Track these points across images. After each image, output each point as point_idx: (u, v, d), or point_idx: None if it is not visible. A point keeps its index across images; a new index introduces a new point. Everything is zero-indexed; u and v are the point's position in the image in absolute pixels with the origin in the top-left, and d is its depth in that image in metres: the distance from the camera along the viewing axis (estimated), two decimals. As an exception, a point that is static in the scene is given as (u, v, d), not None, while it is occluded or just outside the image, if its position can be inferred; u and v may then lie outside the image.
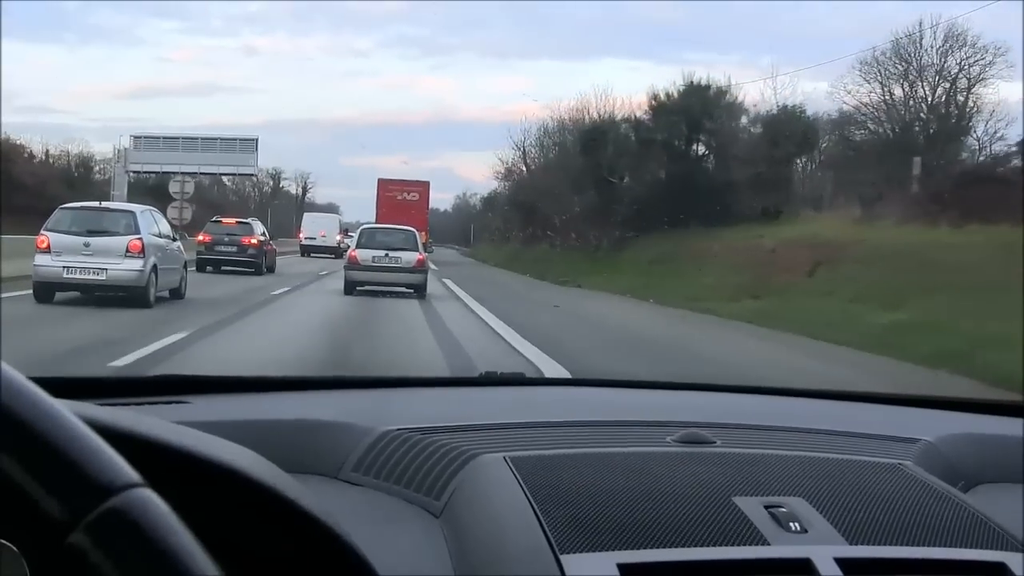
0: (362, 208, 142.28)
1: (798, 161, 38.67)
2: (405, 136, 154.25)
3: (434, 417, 1.59)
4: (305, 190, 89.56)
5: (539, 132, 56.03)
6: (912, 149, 33.20)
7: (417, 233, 22.25)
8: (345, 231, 51.37)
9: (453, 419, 1.57)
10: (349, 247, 23.52)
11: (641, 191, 38.14)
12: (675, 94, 37.63)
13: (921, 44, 37.39)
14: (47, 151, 52.85)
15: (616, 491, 1.21)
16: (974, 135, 37.14)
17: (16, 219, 25.62)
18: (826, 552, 1.08)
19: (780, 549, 1.09)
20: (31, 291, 15.22)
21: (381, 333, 13.90)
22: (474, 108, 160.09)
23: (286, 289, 21.32)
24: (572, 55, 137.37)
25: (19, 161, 43.48)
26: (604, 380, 2.33)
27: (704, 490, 1.22)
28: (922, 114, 36.94)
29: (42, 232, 15.48)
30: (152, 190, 45.29)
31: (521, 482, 1.25)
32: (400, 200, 45.01)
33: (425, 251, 23.26)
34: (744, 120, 38.70)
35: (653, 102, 38.36)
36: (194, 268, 25.42)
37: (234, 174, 53.65)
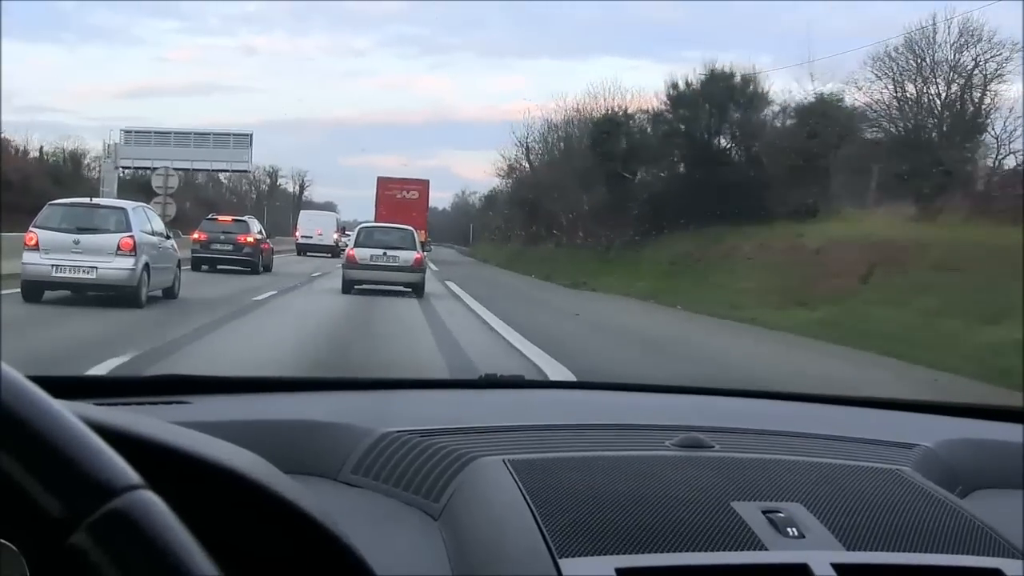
0: (360, 207, 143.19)
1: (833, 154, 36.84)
2: (403, 135, 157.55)
3: (434, 419, 1.61)
4: (302, 188, 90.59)
5: (543, 127, 55.69)
6: (925, 147, 32.98)
7: (415, 232, 22.63)
8: (342, 230, 51.27)
9: (452, 421, 1.60)
10: (347, 246, 23.66)
11: (658, 187, 36.72)
12: (696, 83, 36.13)
13: (935, 40, 37.20)
14: (41, 148, 52.89)
15: (615, 495, 1.23)
16: (992, 133, 36.82)
17: (-1, 216, 25.34)
18: (823, 558, 1.10)
19: (778, 554, 1.11)
20: (19, 290, 15.11)
21: (380, 347, 13.02)
22: (473, 107, 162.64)
23: (271, 293, 19.71)
24: (571, 54, 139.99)
25: (4, 157, 43.28)
26: (603, 383, 2.38)
27: (702, 495, 1.24)
28: (935, 111, 36.73)
29: (30, 229, 15.37)
30: (144, 186, 45.09)
31: (520, 485, 1.26)
32: (400, 199, 45.33)
33: (423, 250, 23.59)
34: (771, 110, 36.90)
35: (672, 91, 36.86)
36: (189, 267, 25.38)
37: (228, 170, 53.48)
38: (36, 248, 15.00)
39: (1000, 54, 35.71)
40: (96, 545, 0.64)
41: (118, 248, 15.01)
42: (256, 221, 30.87)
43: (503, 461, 1.37)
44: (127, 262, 15.03)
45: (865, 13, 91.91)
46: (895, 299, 17.55)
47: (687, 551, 1.12)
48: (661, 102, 37.68)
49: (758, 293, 21.60)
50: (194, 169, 52.73)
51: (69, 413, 0.68)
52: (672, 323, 18.23)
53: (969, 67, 36.41)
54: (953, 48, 36.79)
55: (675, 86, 36.96)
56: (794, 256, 23.96)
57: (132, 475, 0.67)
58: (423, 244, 26.40)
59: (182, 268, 18.29)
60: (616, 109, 42.27)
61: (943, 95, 36.93)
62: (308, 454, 1.51)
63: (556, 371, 10.20)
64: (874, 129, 37.72)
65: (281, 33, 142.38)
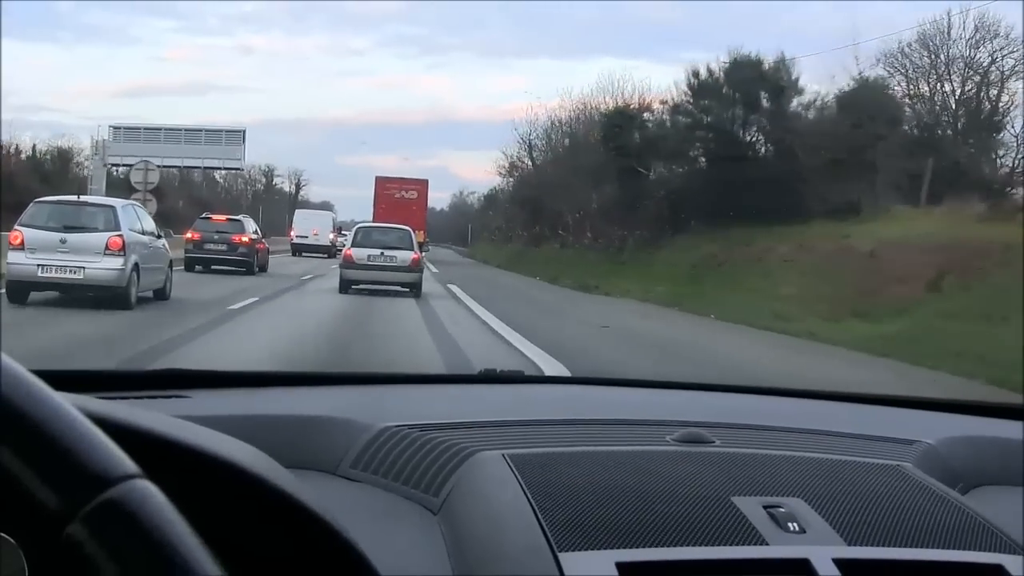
0: (358, 207, 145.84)
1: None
2: (402, 135, 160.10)
3: (433, 414, 1.63)
4: (299, 187, 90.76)
5: (547, 123, 55.28)
6: (940, 145, 32.61)
7: (412, 232, 23.02)
8: (339, 229, 51.09)
9: (452, 416, 1.61)
10: (344, 246, 23.98)
11: (676, 183, 34.90)
12: (719, 71, 34.51)
13: (949, 35, 36.91)
14: (34, 147, 52.80)
15: (615, 490, 1.25)
16: (1011, 131, 36.40)
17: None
18: (824, 553, 1.12)
19: (778, 549, 1.13)
20: (3, 290, 14.92)
21: (379, 347, 12.92)
22: (471, 107, 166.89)
23: (252, 300, 17.81)
24: (570, 54, 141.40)
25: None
26: (604, 379, 2.43)
27: (703, 490, 1.26)
28: (949, 109, 36.41)
29: (16, 227, 15.20)
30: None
31: (520, 480, 1.28)
32: (398, 198, 45.66)
33: (421, 250, 24.05)
34: (804, 99, 34.93)
35: (693, 80, 35.25)
36: (182, 267, 25.37)
37: (220, 168, 53.13)
38: (21, 247, 14.82)
39: (1017, 50, 35.49)
40: (92, 536, 0.64)
41: (106, 247, 14.85)
42: (251, 220, 30.86)
43: (503, 456, 1.38)
44: (115, 262, 14.86)
45: (864, 13, 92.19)
46: (977, 311, 15.28)
47: (688, 545, 1.14)
48: (681, 92, 36.15)
49: (803, 301, 19.61)
50: (185, 167, 52.40)
51: (65, 402, 0.68)
52: (716, 336, 16.15)
53: (985, 63, 36.19)
54: (968, 44, 36.57)
55: (696, 74, 35.37)
56: (842, 259, 21.94)
57: (128, 464, 0.67)
58: (421, 245, 26.69)
59: (174, 268, 18.19)
60: (628, 102, 41.19)
61: (958, 93, 36.70)
62: (307, 449, 1.52)
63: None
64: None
65: (279, 33, 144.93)
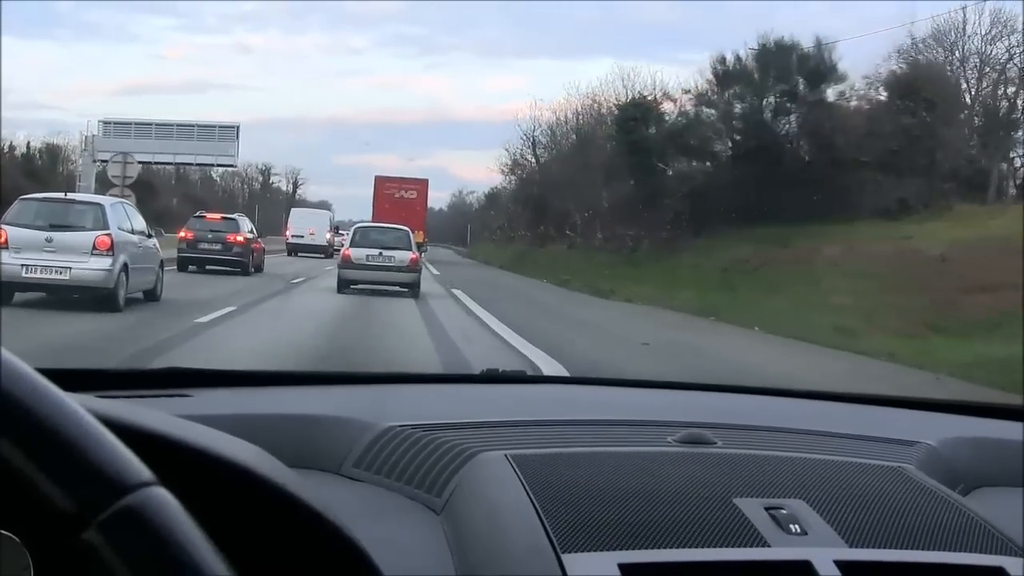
0: (357, 207, 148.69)
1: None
2: (401, 135, 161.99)
3: (436, 414, 1.66)
4: (296, 186, 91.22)
5: (552, 119, 54.77)
6: (958, 144, 32.09)
7: (411, 232, 23.48)
8: (336, 229, 50.72)
9: (455, 416, 1.64)
10: (342, 246, 24.08)
11: (699, 179, 32.97)
12: (748, 58, 32.73)
13: (965, 31, 36.52)
14: (28, 144, 52.54)
15: (617, 491, 1.27)
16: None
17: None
18: (826, 554, 1.14)
19: (780, 551, 1.15)
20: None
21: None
22: (470, 107, 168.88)
23: (228, 310, 15.61)
24: (569, 55, 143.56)
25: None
26: (606, 379, 2.44)
27: (705, 491, 1.28)
28: (965, 106, 35.96)
29: (-1, 225, 14.89)
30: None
31: (523, 480, 1.30)
32: (398, 198, 45.86)
33: (419, 251, 24.46)
34: (839, 87, 32.71)
35: (718, 67, 33.47)
36: (175, 267, 25.30)
37: (213, 164, 52.63)
38: (5, 246, 14.49)
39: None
40: (107, 542, 0.65)
41: (94, 247, 14.57)
42: (247, 219, 30.64)
43: (505, 456, 1.40)
44: (103, 262, 14.57)
45: (864, 13, 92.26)
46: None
47: (690, 547, 1.15)
48: (706, 80, 34.40)
49: (863, 312, 17.36)
50: (177, 163, 51.86)
51: (81, 408, 0.69)
52: (782, 358, 13.43)
53: (1002, 60, 35.79)
54: (984, 40, 36.19)
55: (722, 61, 33.65)
56: (905, 264, 19.87)
57: (144, 471, 0.68)
58: (420, 245, 27.00)
59: (165, 269, 17.93)
60: (644, 93, 39.36)
61: (974, 90, 36.31)
62: (310, 448, 1.54)
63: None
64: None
65: (277, 32, 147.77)
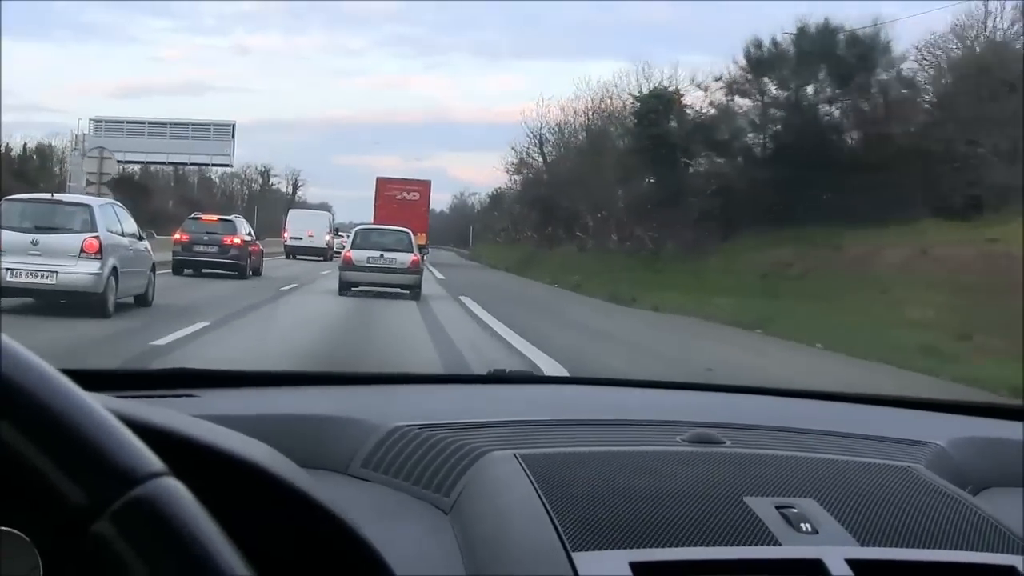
0: (358, 209, 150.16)
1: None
2: (400, 136, 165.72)
3: (444, 414, 1.69)
4: (296, 187, 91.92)
5: (561, 115, 54.14)
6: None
7: (412, 234, 23.96)
8: (335, 231, 50.31)
9: (463, 416, 1.67)
10: (343, 248, 24.19)
11: (730, 175, 30.73)
12: (786, 42, 30.54)
13: (986, 25, 36.00)
14: (24, 145, 52.53)
15: (627, 490, 1.29)
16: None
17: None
18: (837, 553, 1.16)
19: (791, 549, 1.17)
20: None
21: None
22: (470, 109, 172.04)
23: (199, 327, 13.66)
24: (569, 56, 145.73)
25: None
26: (614, 380, 2.46)
27: (715, 490, 1.30)
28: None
29: (-18, 227, 14.66)
30: (121, 183, 43.86)
31: (532, 479, 1.32)
32: (400, 200, 46.18)
33: (420, 253, 24.75)
34: (891, 72, 30.14)
35: (753, 51, 31.29)
36: (170, 270, 25.34)
37: (208, 164, 52.21)
38: (-12, 249, 14.16)
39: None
40: (120, 533, 0.66)
41: (81, 250, 14.30)
42: (244, 221, 30.44)
43: (514, 455, 1.42)
44: (91, 266, 14.30)
45: (865, 12, 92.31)
46: None
47: (700, 545, 1.17)
48: (739, 67, 32.22)
49: (952, 329, 15.07)
50: (171, 163, 51.44)
51: (92, 400, 0.70)
52: (889, 390, 9.62)
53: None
54: (1006, 36, 35.65)
55: (758, 45, 31.48)
56: (997, 271, 17.36)
57: (156, 462, 0.69)
58: (421, 248, 27.18)
59: (157, 272, 17.69)
60: (665, 84, 37.00)
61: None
62: (317, 448, 1.57)
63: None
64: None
65: (276, 33, 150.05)
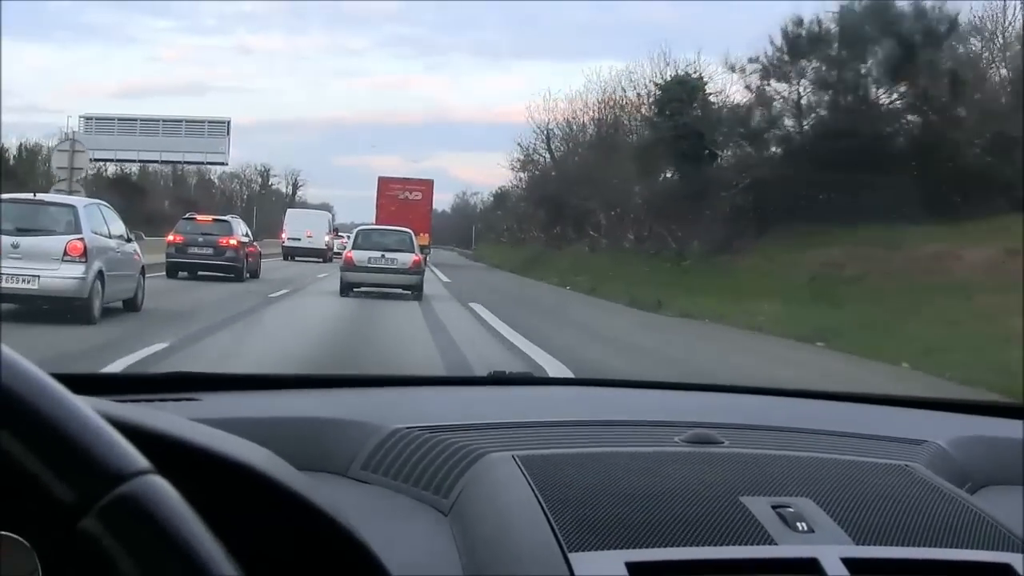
0: (359, 209, 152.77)
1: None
2: (401, 136, 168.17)
3: (443, 416, 1.73)
4: (296, 187, 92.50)
5: (569, 110, 53.43)
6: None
7: (413, 234, 24.42)
8: (335, 231, 49.79)
9: (462, 418, 1.72)
10: (342, 250, 24.77)
11: (765, 168, 28.01)
12: (830, 21, 27.98)
13: (1005, 14, 35.43)
14: (21, 144, 52.38)
15: (624, 490, 1.32)
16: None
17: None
18: (833, 552, 1.18)
19: (787, 549, 1.19)
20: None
21: None
22: (470, 109, 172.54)
23: (158, 348, 11.59)
24: (570, 55, 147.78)
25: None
26: (612, 380, 2.58)
27: (712, 490, 1.32)
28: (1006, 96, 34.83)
29: (-39, 230, 14.31)
30: (114, 184, 43.63)
31: (530, 481, 1.35)
32: (402, 200, 46.18)
33: (422, 254, 25.15)
34: (957, 51, 27.39)
35: (793, 30, 28.87)
36: (164, 273, 25.17)
37: (203, 162, 51.61)
38: (-33, 252, 13.90)
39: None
40: (106, 530, 0.68)
41: (65, 253, 13.93)
42: (241, 221, 30.13)
43: (513, 457, 1.45)
44: (75, 269, 13.92)
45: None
46: None
47: (697, 545, 1.19)
48: (776, 48, 29.92)
49: None
50: (164, 161, 50.87)
51: (79, 400, 0.73)
52: None
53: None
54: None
55: (799, 22, 28.97)
56: None
57: (141, 460, 0.71)
58: (422, 248, 27.53)
59: (146, 276, 17.31)
60: (689, 71, 34.80)
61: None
62: (317, 451, 1.60)
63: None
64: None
65: (277, 33, 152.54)
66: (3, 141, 50.00)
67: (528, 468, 1.39)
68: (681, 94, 32.31)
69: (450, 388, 2.47)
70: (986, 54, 33.74)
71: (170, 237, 26.92)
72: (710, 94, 33.42)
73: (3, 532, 0.76)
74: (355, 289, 22.06)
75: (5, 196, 15.54)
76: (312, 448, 1.59)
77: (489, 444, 1.52)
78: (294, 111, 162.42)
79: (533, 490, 1.31)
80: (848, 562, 1.15)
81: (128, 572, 0.68)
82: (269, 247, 43.16)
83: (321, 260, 44.03)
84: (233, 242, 26.65)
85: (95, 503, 0.68)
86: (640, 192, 35.15)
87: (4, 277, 13.65)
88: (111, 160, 44.97)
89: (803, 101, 29.93)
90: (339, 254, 34.37)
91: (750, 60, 30.61)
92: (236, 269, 26.30)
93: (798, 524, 1.23)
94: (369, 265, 22.35)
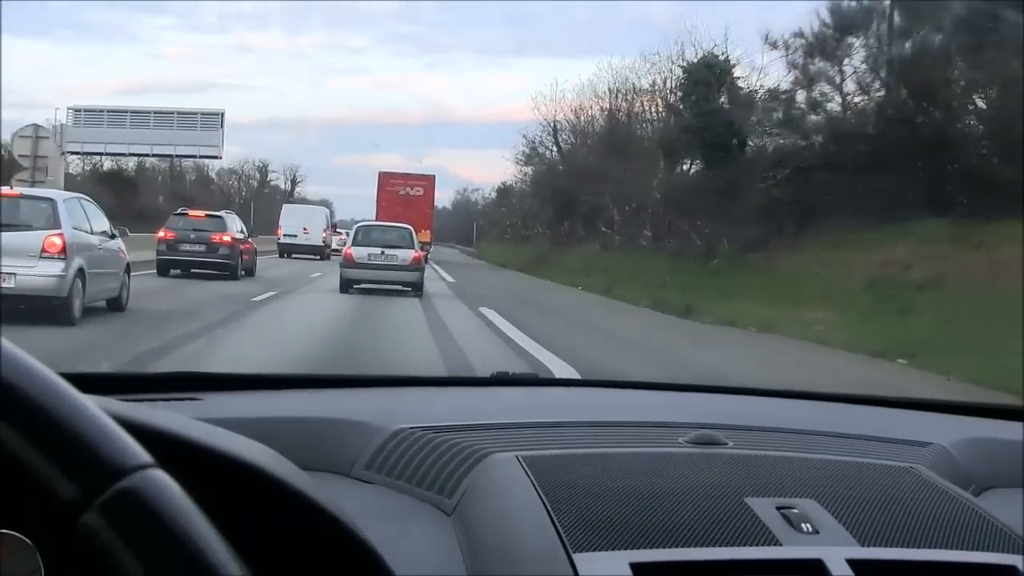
0: (360, 206, 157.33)
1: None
2: (401, 135, 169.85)
3: (446, 416, 1.77)
4: (294, 183, 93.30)
5: (576, 102, 52.57)
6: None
7: (413, 230, 24.60)
8: (333, 227, 49.23)
9: (465, 418, 1.75)
10: (341, 247, 24.83)
11: (805, 157, 25.65)
12: None
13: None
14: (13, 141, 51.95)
15: (629, 491, 1.34)
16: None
17: None
18: (838, 553, 1.20)
19: (792, 550, 1.21)
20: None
21: None
22: (470, 107, 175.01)
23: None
24: (571, 53, 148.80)
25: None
26: (616, 381, 2.68)
27: (716, 491, 1.34)
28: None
29: (-68, 226, 13.89)
30: (106, 178, 43.01)
31: (534, 481, 1.37)
32: (403, 195, 46.17)
33: (423, 250, 25.36)
34: None
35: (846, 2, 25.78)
36: (154, 271, 24.86)
37: (195, 156, 50.81)
38: (-67, 250, 13.55)
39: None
40: (108, 524, 0.69)
41: (43, 249, 13.49)
42: (236, 217, 29.74)
43: (516, 457, 1.48)
44: (54, 267, 13.48)
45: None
46: None
47: (701, 546, 1.21)
48: (821, 22, 27.44)
49: None
50: (154, 155, 50.19)
51: (80, 395, 0.74)
52: None
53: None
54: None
55: None
56: None
57: (143, 454, 0.72)
58: (424, 245, 27.83)
59: (137, 273, 17.20)
60: (715, 52, 32.25)
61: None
62: (320, 451, 1.63)
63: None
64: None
65: (277, 31, 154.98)
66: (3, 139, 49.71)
67: (532, 469, 1.41)
68: (709, 77, 30.39)
69: (453, 389, 2.51)
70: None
71: (161, 233, 26.49)
72: (738, 78, 31.83)
73: (4, 530, 0.77)
74: (355, 286, 22.30)
75: (-23, 190, 15.15)
76: (315, 448, 1.62)
77: (493, 444, 1.55)
78: (294, 110, 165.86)
79: (537, 491, 1.33)
80: (853, 563, 1.17)
81: (130, 567, 0.68)
82: (265, 244, 42.58)
83: (318, 258, 43.53)
84: (227, 239, 26.24)
85: (96, 498, 0.68)
86: (659, 185, 33.34)
87: (-24, 275, 13.33)
88: (100, 153, 44.27)
89: (854, 81, 27.42)
90: (337, 251, 33.79)
91: (794, 35, 28.33)
92: (230, 267, 25.91)
93: (803, 525, 1.25)
94: (369, 262, 22.60)
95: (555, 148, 55.94)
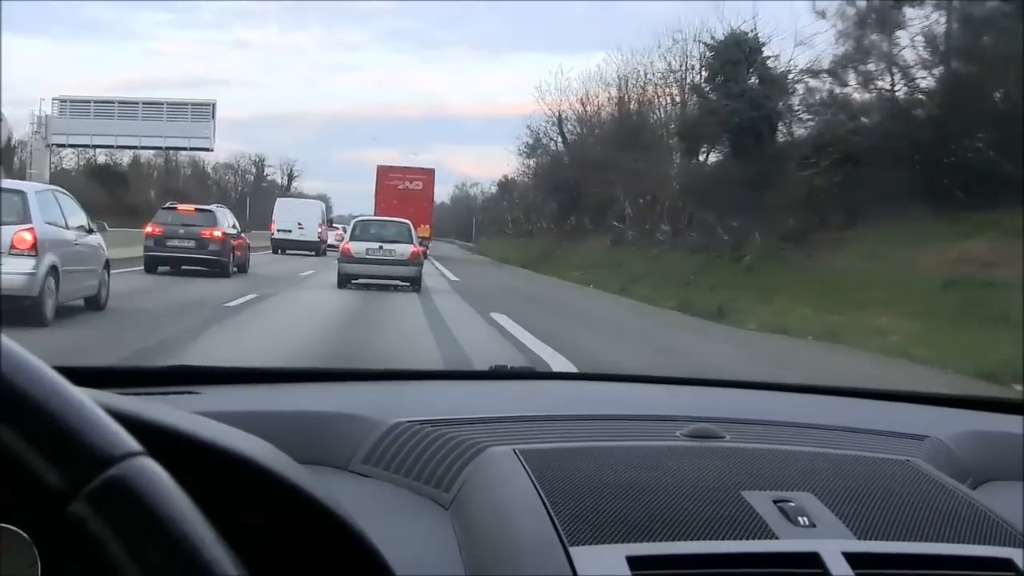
0: (358, 202, 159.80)
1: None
2: (399, 130, 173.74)
3: (444, 409, 1.79)
4: (291, 178, 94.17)
5: (583, 91, 51.73)
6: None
7: (412, 225, 25.06)
8: (330, 222, 48.57)
9: (463, 412, 1.77)
10: (338, 242, 25.26)
11: (854, 143, 22.77)
12: None
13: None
14: (10, 139, 51.48)
15: (625, 484, 1.35)
16: None
17: None
18: (834, 546, 1.21)
19: (788, 543, 1.22)
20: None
21: None
22: (468, 102, 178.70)
23: None
24: (568, 49, 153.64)
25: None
26: (613, 375, 2.63)
27: (713, 484, 1.36)
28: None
29: None
30: (96, 172, 42.25)
31: (531, 475, 1.39)
32: (402, 189, 46.37)
33: (422, 245, 25.72)
34: None
35: None
36: (142, 267, 24.54)
37: (186, 148, 50.08)
38: None
39: None
40: (96, 514, 0.69)
41: (12, 246, 12.96)
42: (227, 211, 29.00)
43: (513, 451, 1.50)
44: (24, 264, 12.95)
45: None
46: None
47: (698, 539, 1.22)
48: None
49: None
50: (143, 147, 49.35)
51: (67, 383, 0.74)
52: None
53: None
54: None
55: None
56: None
57: (131, 442, 0.72)
58: (423, 240, 28.20)
59: (124, 270, 16.97)
60: (744, 29, 29.64)
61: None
62: (318, 444, 1.65)
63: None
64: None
65: (274, 27, 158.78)
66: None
67: (529, 462, 1.43)
68: (738, 55, 27.88)
69: (451, 382, 2.54)
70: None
71: (148, 229, 25.94)
72: (767, 57, 29.50)
73: (1, 524, 0.77)
74: (353, 281, 22.81)
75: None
76: (313, 442, 1.63)
77: (490, 438, 1.57)
78: (292, 105, 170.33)
79: (534, 484, 1.35)
80: (849, 556, 1.18)
81: (118, 556, 0.69)
82: (261, 240, 41.92)
83: (314, 254, 42.94)
84: (218, 234, 25.61)
85: (83, 487, 0.69)
86: (678, 175, 31.35)
87: (-58, 274, 12.81)
88: (87, 145, 43.51)
89: (912, 54, 24.19)
90: (334, 247, 33.13)
91: (848, 1, 24.99)
92: (221, 263, 25.41)
93: (799, 518, 1.26)
94: (367, 256, 23.00)
95: (560, 139, 55.24)
